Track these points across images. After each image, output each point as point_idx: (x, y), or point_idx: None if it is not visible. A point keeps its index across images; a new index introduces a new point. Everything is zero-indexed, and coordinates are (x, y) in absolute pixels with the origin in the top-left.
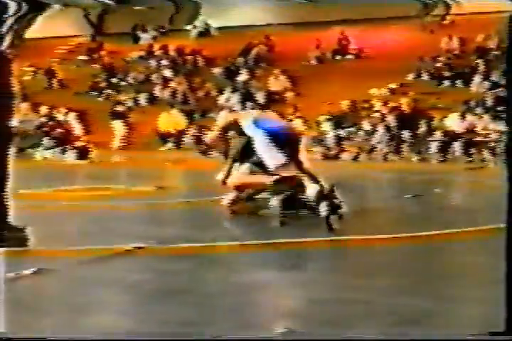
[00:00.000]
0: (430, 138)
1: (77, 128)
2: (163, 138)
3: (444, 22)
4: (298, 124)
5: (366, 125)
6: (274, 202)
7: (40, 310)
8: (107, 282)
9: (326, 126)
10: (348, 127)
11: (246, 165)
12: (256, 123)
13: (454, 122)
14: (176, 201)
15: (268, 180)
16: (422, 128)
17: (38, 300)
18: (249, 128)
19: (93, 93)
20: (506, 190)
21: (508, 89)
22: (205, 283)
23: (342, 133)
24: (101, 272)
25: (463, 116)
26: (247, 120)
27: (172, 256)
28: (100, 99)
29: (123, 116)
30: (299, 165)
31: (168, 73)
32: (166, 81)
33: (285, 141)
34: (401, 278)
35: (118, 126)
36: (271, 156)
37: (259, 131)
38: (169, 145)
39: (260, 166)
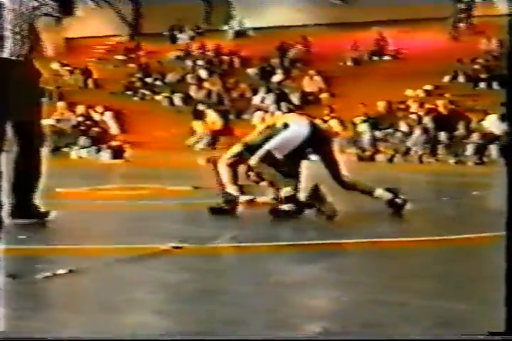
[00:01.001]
0: (467, 140)
1: (113, 128)
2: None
3: (474, 23)
4: (334, 125)
5: (403, 126)
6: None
7: (74, 309)
8: (144, 281)
9: (362, 127)
10: (385, 128)
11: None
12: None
13: (492, 124)
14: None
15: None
16: (460, 130)
17: (72, 299)
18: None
19: (128, 93)
20: (506, 193)
21: (508, 91)
22: (243, 283)
23: (378, 134)
24: (137, 271)
25: (502, 118)
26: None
27: (210, 256)
28: (136, 98)
29: (204, 116)
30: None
31: (203, 73)
32: (201, 81)
33: (315, 141)
34: (437, 280)
35: (198, 126)
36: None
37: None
38: (205, 145)
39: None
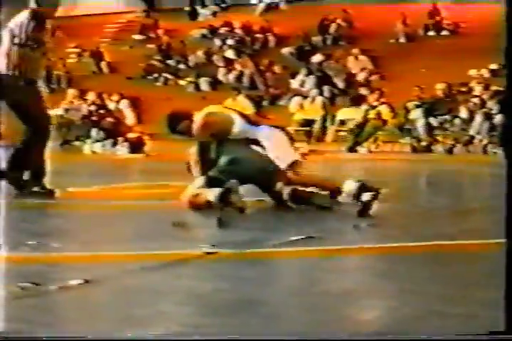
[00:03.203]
0: None
1: (130, 118)
2: None
3: None
4: (383, 111)
5: (463, 112)
6: None
7: (91, 324)
8: (172, 292)
9: (416, 114)
10: (442, 115)
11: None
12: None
13: None
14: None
15: None
16: None
17: (88, 312)
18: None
19: (149, 77)
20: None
21: (508, 82)
22: (282, 292)
23: (434, 121)
24: (165, 281)
25: None
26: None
27: (244, 262)
28: (158, 83)
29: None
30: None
31: (232, 54)
32: (230, 63)
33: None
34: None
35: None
36: (281, 155)
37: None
38: None
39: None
